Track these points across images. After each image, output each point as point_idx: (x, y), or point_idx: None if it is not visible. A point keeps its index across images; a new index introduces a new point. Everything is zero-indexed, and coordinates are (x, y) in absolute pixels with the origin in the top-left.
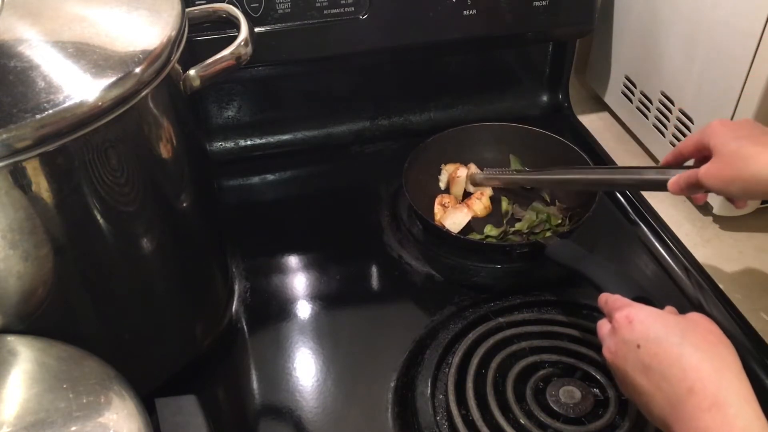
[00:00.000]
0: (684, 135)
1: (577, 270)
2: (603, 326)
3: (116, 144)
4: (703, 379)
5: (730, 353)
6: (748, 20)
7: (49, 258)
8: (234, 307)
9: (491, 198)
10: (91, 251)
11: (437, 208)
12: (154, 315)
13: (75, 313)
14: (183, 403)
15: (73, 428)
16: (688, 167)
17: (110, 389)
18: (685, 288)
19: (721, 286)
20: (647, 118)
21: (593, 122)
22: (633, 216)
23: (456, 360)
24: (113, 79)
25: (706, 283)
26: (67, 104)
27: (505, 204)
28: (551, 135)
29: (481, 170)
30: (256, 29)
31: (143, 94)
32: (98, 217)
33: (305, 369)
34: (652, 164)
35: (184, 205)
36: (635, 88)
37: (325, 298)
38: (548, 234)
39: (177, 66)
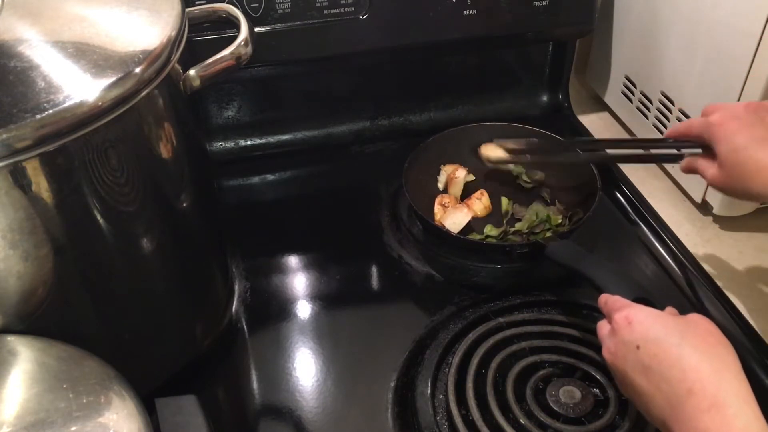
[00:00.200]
0: None
1: (577, 270)
2: (603, 327)
3: (116, 144)
4: (703, 380)
5: (730, 354)
6: (748, 20)
7: (49, 258)
8: (234, 307)
9: (491, 198)
10: (91, 251)
11: (437, 208)
12: (154, 315)
13: (75, 313)
14: (183, 403)
15: (73, 428)
16: (693, 142)
17: (110, 389)
18: (685, 288)
19: (721, 286)
20: (647, 118)
21: (593, 122)
22: (633, 216)
23: (456, 360)
24: (113, 79)
25: (706, 283)
26: (67, 104)
27: (505, 204)
28: (551, 135)
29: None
30: (256, 29)
31: (143, 94)
32: (98, 217)
33: (305, 369)
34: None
35: (184, 205)
36: (635, 88)
37: (325, 298)
38: (548, 234)
39: (177, 66)
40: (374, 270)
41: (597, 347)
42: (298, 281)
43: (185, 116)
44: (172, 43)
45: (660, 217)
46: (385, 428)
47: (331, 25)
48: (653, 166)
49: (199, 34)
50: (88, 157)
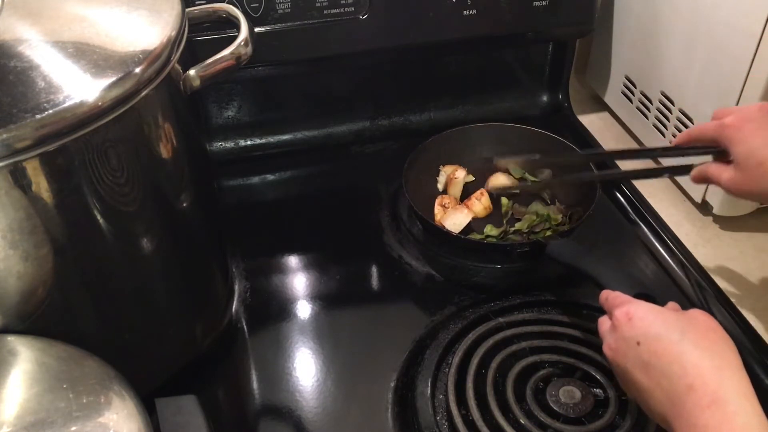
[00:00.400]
0: None
1: (578, 268)
2: (603, 323)
3: (116, 144)
4: (703, 376)
5: (730, 350)
6: (748, 20)
7: (49, 258)
8: (234, 307)
9: (491, 198)
10: (91, 251)
11: (437, 209)
12: (154, 315)
13: (75, 313)
14: (183, 403)
15: (73, 428)
16: (704, 147)
17: (110, 389)
18: (685, 288)
19: (721, 286)
20: (647, 118)
21: (593, 122)
22: (633, 216)
23: (456, 360)
24: (113, 79)
25: (706, 282)
26: (67, 104)
27: (505, 204)
28: (551, 135)
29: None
30: (256, 29)
31: (143, 94)
32: (98, 217)
33: (305, 369)
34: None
35: (184, 205)
36: (635, 88)
37: (325, 298)
38: (548, 233)
39: (177, 66)
40: (374, 270)
41: (597, 347)
42: (298, 281)
43: (185, 116)
44: (172, 43)
45: (660, 216)
46: (385, 428)
47: (331, 25)
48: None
49: (199, 34)
50: (88, 157)
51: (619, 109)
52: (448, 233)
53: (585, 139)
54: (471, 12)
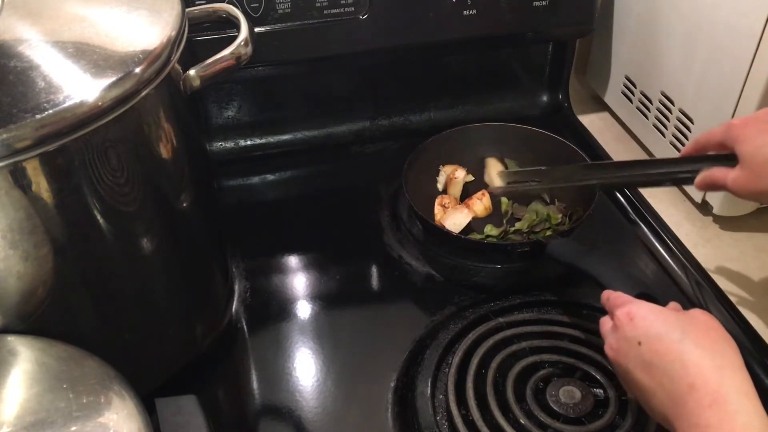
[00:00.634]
0: (684, 135)
1: (578, 268)
2: (605, 323)
3: (116, 144)
4: (704, 376)
5: (732, 349)
6: (748, 20)
7: (49, 258)
8: (234, 307)
9: (491, 198)
10: (91, 251)
11: (437, 209)
12: (154, 315)
13: (75, 313)
14: (183, 403)
15: (73, 428)
16: (713, 157)
17: (110, 389)
18: (685, 288)
19: (721, 286)
20: (647, 118)
21: (593, 122)
22: (633, 216)
23: (456, 360)
24: (113, 79)
25: (706, 283)
26: (67, 104)
27: (505, 204)
28: (551, 135)
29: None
30: (256, 29)
31: (143, 94)
32: (98, 217)
33: (305, 369)
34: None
35: (184, 205)
36: (635, 88)
37: (325, 298)
38: (548, 233)
39: (177, 66)
40: (374, 270)
41: (597, 347)
42: (298, 281)
43: (185, 116)
44: (172, 43)
45: (660, 216)
46: (385, 428)
47: (331, 25)
48: None
49: (199, 34)
50: (88, 157)
51: (619, 109)
52: (448, 233)
53: (585, 139)
54: (471, 12)
